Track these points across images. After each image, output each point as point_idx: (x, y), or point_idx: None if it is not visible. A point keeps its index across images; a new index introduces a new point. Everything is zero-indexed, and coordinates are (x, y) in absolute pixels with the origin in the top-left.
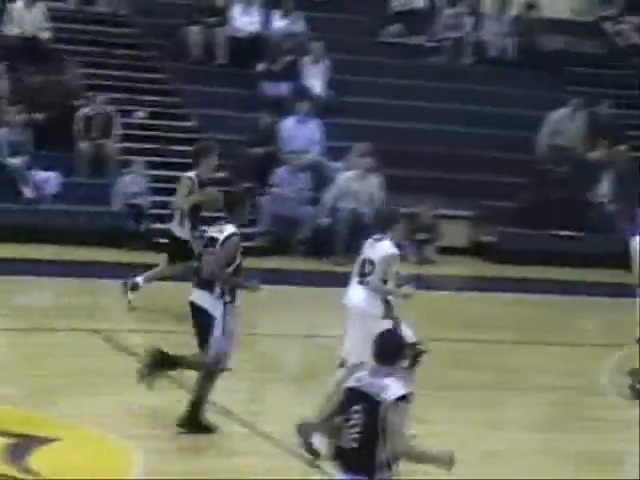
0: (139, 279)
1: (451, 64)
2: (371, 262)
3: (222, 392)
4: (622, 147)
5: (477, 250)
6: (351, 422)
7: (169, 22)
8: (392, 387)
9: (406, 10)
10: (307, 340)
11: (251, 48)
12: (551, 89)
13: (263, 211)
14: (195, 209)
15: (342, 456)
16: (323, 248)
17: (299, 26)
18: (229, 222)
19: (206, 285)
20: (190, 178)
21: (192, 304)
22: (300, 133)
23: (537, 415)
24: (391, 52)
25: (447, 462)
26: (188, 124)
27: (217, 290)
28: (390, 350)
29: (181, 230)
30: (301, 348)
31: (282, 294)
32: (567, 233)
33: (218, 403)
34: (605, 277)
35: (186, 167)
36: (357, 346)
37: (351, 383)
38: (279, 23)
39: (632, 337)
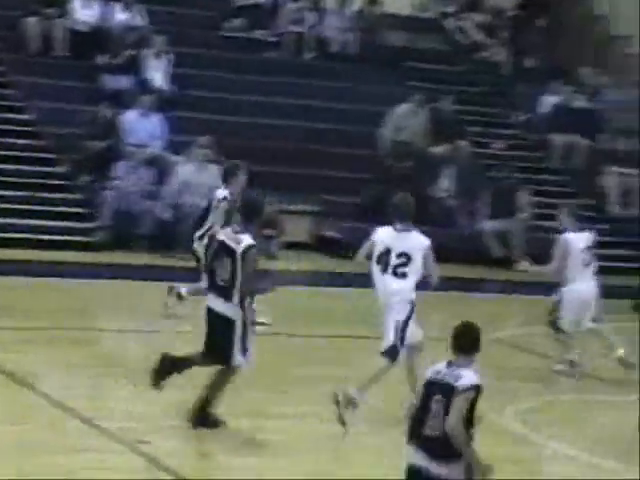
0: (184, 290)
1: (293, 59)
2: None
3: (60, 388)
4: (463, 143)
5: (320, 245)
6: (432, 412)
7: (7, 14)
8: (467, 376)
9: (249, 4)
10: (147, 335)
11: (91, 41)
12: (393, 85)
13: (104, 205)
14: None
15: (426, 445)
16: (165, 242)
17: (140, 19)
18: (244, 231)
19: (224, 292)
20: (225, 198)
21: (211, 310)
22: (141, 126)
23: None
24: (233, 46)
25: (485, 472)
26: (25, 117)
27: (236, 298)
28: (468, 341)
29: None
30: (141, 343)
31: (122, 289)
32: None
33: (56, 399)
34: (446, 271)
35: (22, 160)
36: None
37: (430, 375)
38: (120, 16)
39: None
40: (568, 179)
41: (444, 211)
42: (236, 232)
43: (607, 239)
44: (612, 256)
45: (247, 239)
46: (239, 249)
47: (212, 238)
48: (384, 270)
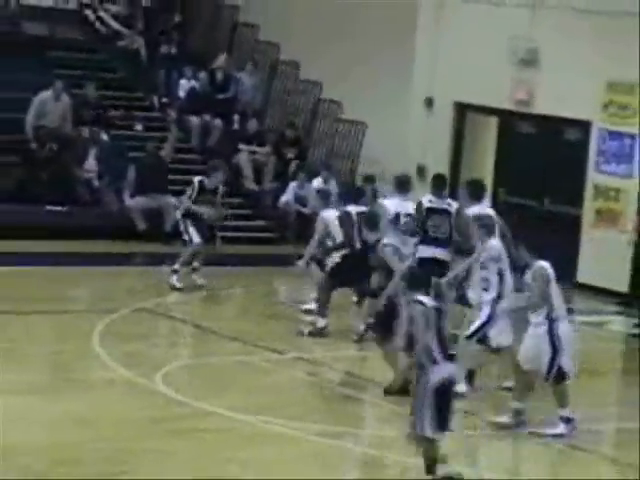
0: None
1: None
2: None
3: None
4: (105, 126)
5: None
6: None
7: None
8: None
9: None
10: None
11: None
12: (38, 73)
13: None
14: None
15: None
16: None
17: None
18: None
19: None
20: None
21: None
22: None
23: (32, 380)
24: None
25: None
26: None
27: None
28: None
29: None
30: None
31: None
32: (57, 208)
33: None
34: (93, 248)
35: None
36: None
37: None
38: None
39: (121, 303)
40: (205, 157)
41: (91, 191)
42: None
43: (244, 212)
44: (250, 227)
45: None
46: None
47: None
48: None
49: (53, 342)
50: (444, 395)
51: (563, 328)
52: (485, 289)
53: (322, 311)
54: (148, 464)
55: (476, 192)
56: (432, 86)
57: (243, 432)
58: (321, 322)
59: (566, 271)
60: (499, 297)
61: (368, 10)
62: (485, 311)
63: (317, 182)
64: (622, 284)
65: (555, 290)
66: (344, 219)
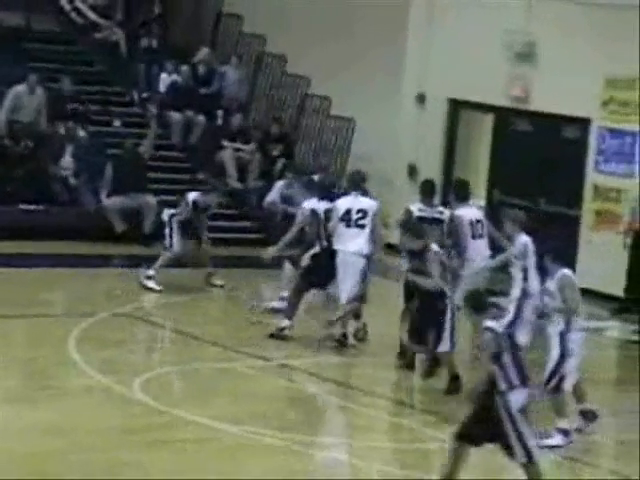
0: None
1: None
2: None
3: None
4: (83, 122)
5: None
6: None
7: None
8: None
9: None
10: None
11: None
12: (12, 65)
13: None
14: None
15: None
16: None
17: None
18: None
19: None
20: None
21: None
22: None
23: (5, 387)
24: None
25: None
26: None
27: None
28: None
29: None
30: None
31: None
32: (32, 207)
33: None
34: (69, 249)
35: None
36: None
37: None
38: None
39: (98, 307)
40: (187, 155)
41: (67, 190)
42: None
43: (228, 212)
44: (234, 228)
45: None
46: None
47: None
48: None
49: (27, 347)
50: (526, 415)
51: (576, 339)
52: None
53: (289, 312)
54: (125, 476)
55: (461, 193)
56: (424, 82)
57: (224, 442)
58: (285, 322)
59: None
60: (524, 295)
61: (359, 3)
62: (511, 309)
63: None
64: (621, 288)
65: (579, 298)
66: (312, 217)
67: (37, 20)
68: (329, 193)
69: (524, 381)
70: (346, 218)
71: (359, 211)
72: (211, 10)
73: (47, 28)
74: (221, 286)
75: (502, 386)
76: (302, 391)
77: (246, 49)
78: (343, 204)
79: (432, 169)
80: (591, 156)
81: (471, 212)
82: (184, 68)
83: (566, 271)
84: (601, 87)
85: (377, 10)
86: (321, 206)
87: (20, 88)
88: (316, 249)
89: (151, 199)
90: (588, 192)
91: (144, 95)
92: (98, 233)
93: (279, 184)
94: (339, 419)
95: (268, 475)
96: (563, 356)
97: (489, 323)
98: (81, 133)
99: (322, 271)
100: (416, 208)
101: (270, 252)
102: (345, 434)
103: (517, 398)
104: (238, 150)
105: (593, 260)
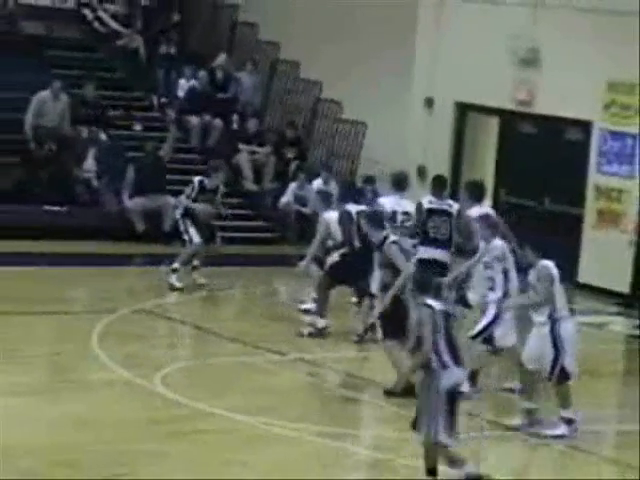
0: None
1: None
2: None
3: None
4: (104, 126)
5: None
6: None
7: None
8: None
9: None
10: None
11: None
12: (36, 72)
13: None
14: None
15: None
16: None
17: None
18: None
19: None
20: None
21: None
22: None
23: (31, 381)
24: None
25: None
26: None
27: None
28: None
29: None
30: None
31: None
32: (56, 208)
33: None
34: (92, 248)
35: None
36: None
37: None
38: None
39: (120, 304)
40: (205, 157)
41: (90, 191)
42: None
43: (244, 212)
44: (249, 227)
45: None
46: None
47: None
48: None
49: (52, 343)
50: (454, 400)
51: (566, 328)
52: (491, 289)
53: (321, 311)
54: (147, 466)
55: (476, 193)
56: (432, 86)
57: (244, 433)
58: (321, 322)
59: (567, 271)
60: (504, 296)
61: (368, 10)
62: (491, 311)
63: (317, 183)
64: (623, 285)
65: (559, 290)
66: (344, 218)
67: (60, 28)
68: (361, 196)
69: (457, 362)
70: (392, 220)
71: (404, 213)
72: (227, 18)
73: (70, 36)
74: (203, 285)
75: (434, 364)
76: (318, 385)
77: (261, 56)
78: (388, 206)
79: (441, 171)
80: (593, 157)
81: (486, 212)
82: (201, 74)
83: (546, 263)
84: (603, 91)
85: (386, 15)
86: (353, 209)
87: (44, 94)
88: (346, 249)
89: (171, 200)
90: (590, 192)
91: (163, 100)
92: (120, 233)
93: (292, 186)
94: (355, 411)
95: (284, 464)
96: (557, 347)
97: (429, 300)
98: (103, 137)
99: (352, 269)
100: (426, 201)
101: (303, 265)
102: (360, 426)
103: (449, 377)
104: (253, 153)
105: (595, 258)
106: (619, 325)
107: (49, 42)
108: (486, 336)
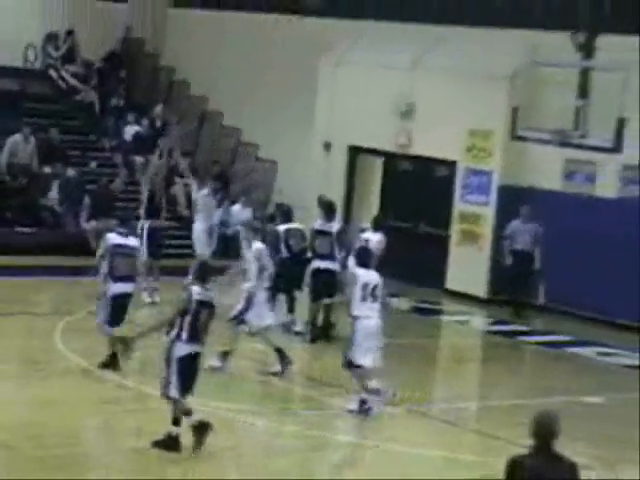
0: None
1: None
2: None
3: None
4: (66, 164)
5: None
6: None
7: None
8: None
9: None
10: None
11: None
12: (10, 120)
13: None
14: None
15: None
16: None
17: None
18: None
19: None
20: None
21: None
22: None
23: (5, 369)
24: None
25: None
26: None
27: None
28: None
29: None
30: None
31: None
32: (26, 229)
33: None
34: (55, 261)
35: None
36: None
37: None
38: None
39: (78, 307)
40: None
41: (54, 215)
42: None
43: (178, 233)
44: (183, 245)
45: None
46: None
47: None
48: None
49: (21, 338)
50: (189, 366)
51: (367, 325)
52: (248, 280)
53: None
54: (99, 436)
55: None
56: (330, 132)
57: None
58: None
59: (437, 279)
60: (256, 287)
61: (279, 70)
62: (244, 297)
63: (236, 207)
64: (481, 290)
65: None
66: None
67: (30, 85)
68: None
69: (191, 339)
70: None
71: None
72: (165, 77)
73: (38, 91)
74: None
75: (172, 334)
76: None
77: (192, 107)
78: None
79: (337, 202)
80: (457, 190)
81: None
82: (144, 122)
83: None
84: (465, 137)
85: (293, 74)
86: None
87: (17, 137)
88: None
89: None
90: (455, 217)
91: (113, 143)
92: (78, 249)
93: (218, 212)
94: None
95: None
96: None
97: (193, 287)
98: (70, 172)
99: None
100: (317, 224)
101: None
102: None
103: (180, 348)
104: (186, 185)
105: (459, 268)
106: (477, 322)
107: (21, 96)
108: (240, 319)
